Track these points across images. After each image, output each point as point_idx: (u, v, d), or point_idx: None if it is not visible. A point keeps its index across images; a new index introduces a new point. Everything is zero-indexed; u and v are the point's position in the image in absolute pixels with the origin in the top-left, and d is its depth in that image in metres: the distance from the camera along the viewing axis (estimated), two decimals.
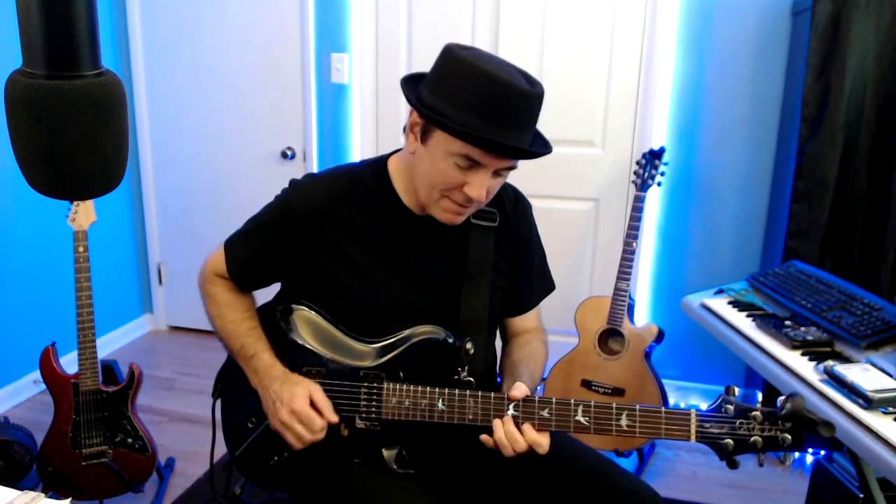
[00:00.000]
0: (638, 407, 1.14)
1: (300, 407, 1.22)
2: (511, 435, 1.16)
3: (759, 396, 1.11)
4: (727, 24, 2.66)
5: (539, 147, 1.21)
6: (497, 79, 1.13)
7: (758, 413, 1.09)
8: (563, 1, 2.80)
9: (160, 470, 2.29)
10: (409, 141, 1.25)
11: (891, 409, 1.24)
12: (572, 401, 1.16)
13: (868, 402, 1.25)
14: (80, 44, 0.58)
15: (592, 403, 1.15)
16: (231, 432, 1.42)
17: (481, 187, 1.18)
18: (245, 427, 1.37)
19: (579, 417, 1.15)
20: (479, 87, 1.13)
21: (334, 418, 1.25)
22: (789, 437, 1.07)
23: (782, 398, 1.09)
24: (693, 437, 1.11)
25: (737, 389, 1.11)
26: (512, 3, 2.85)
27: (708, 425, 1.10)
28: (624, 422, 1.14)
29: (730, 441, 1.09)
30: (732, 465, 1.10)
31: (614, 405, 1.14)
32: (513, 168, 1.21)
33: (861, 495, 1.65)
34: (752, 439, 1.08)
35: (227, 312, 1.37)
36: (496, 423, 1.18)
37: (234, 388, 1.41)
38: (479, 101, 1.13)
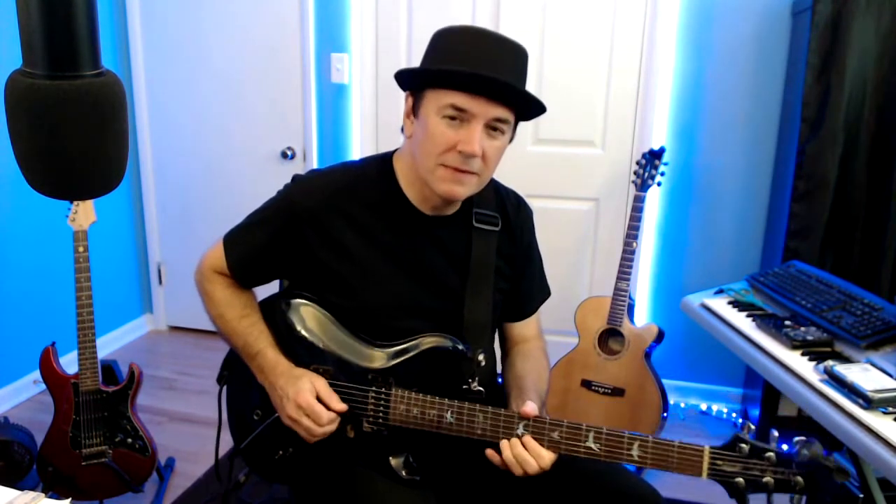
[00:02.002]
0: (651, 438, 1.12)
1: (305, 401, 1.22)
2: (521, 457, 1.15)
3: (775, 434, 1.10)
4: (727, 24, 2.66)
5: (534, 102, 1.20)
6: (473, 29, 1.19)
7: (773, 455, 1.07)
8: (563, 1, 2.80)
9: (160, 470, 2.29)
10: (406, 128, 1.27)
11: (891, 409, 1.24)
12: (584, 426, 1.14)
13: (868, 402, 1.25)
14: (80, 44, 0.58)
15: (605, 430, 1.13)
16: (236, 423, 1.41)
17: (472, 140, 1.16)
18: (251, 419, 1.37)
19: (590, 444, 1.14)
20: (457, 41, 1.19)
21: (341, 407, 1.24)
22: (802, 481, 1.05)
23: (800, 440, 1.07)
24: (705, 474, 1.09)
25: (752, 426, 1.10)
26: (512, 4, 2.85)
27: (720, 463, 1.09)
28: (635, 452, 1.12)
29: (741, 480, 1.08)
30: (742, 503, 1.09)
31: (626, 434, 1.12)
32: (504, 121, 1.19)
33: (861, 495, 1.65)
34: (764, 480, 1.07)
35: (226, 311, 1.36)
36: (504, 444, 1.17)
37: (239, 377, 1.40)
38: (459, 52, 1.17)
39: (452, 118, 1.17)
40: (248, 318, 1.34)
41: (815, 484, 1.05)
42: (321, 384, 1.25)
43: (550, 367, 1.44)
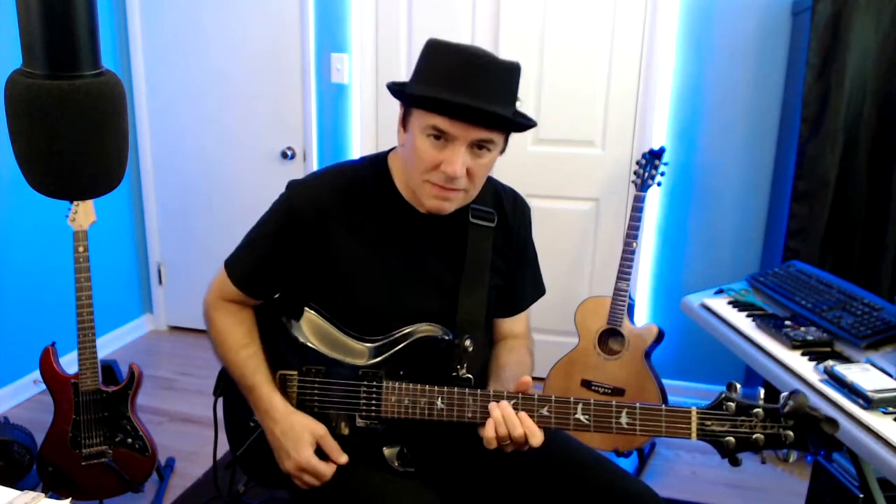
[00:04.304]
0: (638, 405, 1.13)
1: (307, 462, 1.24)
2: (509, 419, 1.16)
3: (762, 392, 1.10)
4: (727, 24, 2.66)
5: (520, 120, 1.20)
6: (461, 50, 1.17)
7: (759, 410, 1.08)
8: (563, 1, 2.80)
9: (160, 470, 2.29)
10: (399, 136, 1.28)
11: (891, 409, 1.24)
12: (572, 399, 1.16)
13: (868, 402, 1.25)
14: (80, 44, 0.58)
15: (592, 401, 1.15)
16: (233, 431, 1.42)
17: (454, 162, 1.17)
18: (247, 426, 1.37)
19: (579, 415, 1.15)
20: (444, 61, 1.18)
21: (343, 460, 1.26)
22: (791, 434, 1.06)
23: (784, 395, 1.08)
24: (694, 435, 1.10)
25: (738, 386, 1.10)
26: (512, 4, 2.85)
27: (709, 423, 1.10)
28: (624, 420, 1.13)
29: (731, 439, 1.08)
30: (734, 462, 1.09)
31: (614, 403, 1.14)
32: (489, 142, 1.19)
33: (861, 495, 1.65)
34: (753, 437, 1.08)
35: (226, 339, 1.35)
36: (492, 405, 1.17)
37: (235, 386, 1.40)
38: (444, 73, 1.17)
39: (437, 137, 1.18)
40: (246, 350, 1.33)
41: (803, 435, 1.05)
42: (322, 434, 1.26)
43: (533, 369, 1.44)
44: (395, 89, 1.23)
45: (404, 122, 1.25)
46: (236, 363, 1.33)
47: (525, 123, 1.22)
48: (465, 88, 1.14)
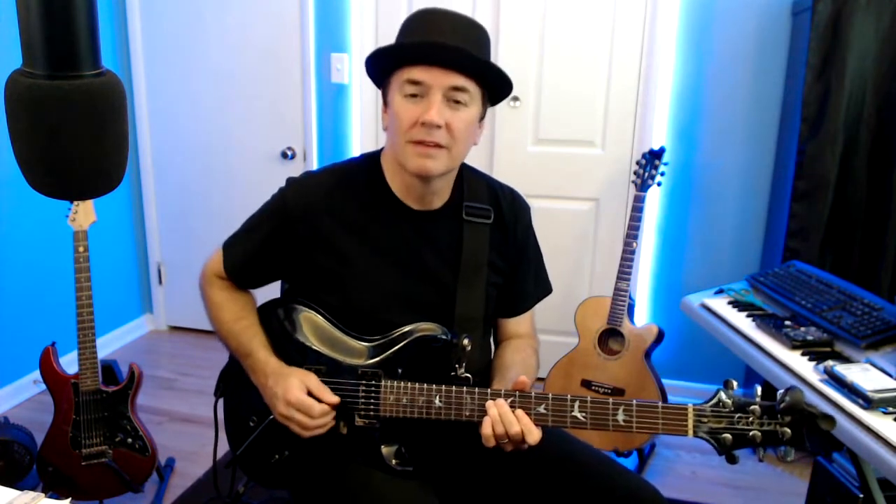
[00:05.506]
0: (635, 402, 1.13)
1: (295, 397, 1.22)
2: (506, 416, 1.15)
3: (759, 390, 1.10)
4: (727, 24, 2.66)
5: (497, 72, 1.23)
6: (429, 9, 1.25)
7: (756, 407, 1.08)
8: (563, 1, 2.80)
9: (160, 470, 2.29)
10: (383, 122, 1.33)
11: (891, 409, 1.24)
12: (569, 396, 1.16)
13: (868, 402, 1.25)
14: (80, 44, 0.58)
15: (589, 399, 1.15)
16: (233, 431, 1.42)
17: (431, 109, 1.19)
18: (246, 425, 1.37)
19: (576, 413, 1.15)
20: (411, 22, 1.26)
21: (334, 399, 1.24)
22: (789, 430, 1.06)
23: (781, 391, 1.08)
24: (690, 432, 1.10)
25: (735, 383, 1.10)
26: (512, 4, 2.85)
27: (706, 419, 1.09)
28: (621, 417, 1.13)
29: (728, 435, 1.08)
30: (731, 459, 1.09)
31: (611, 400, 1.14)
32: (463, 90, 1.21)
33: (861, 495, 1.65)
34: (750, 433, 1.07)
35: (222, 313, 1.37)
36: (489, 403, 1.17)
37: (236, 386, 1.41)
38: (412, 31, 1.24)
39: (414, 95, 1.21)
40: (243, 321, 1.35)
41: (800, 431, 1.05)
42: (311, 379, 1.26)
43: (538, 370, 1.44)
44: (368, 63, 1.27)
45: (385, 101, 1.29)
46: (233, 333, 1.34)
47: (498, 70, 1.23)
48: (431, 35, 1.20)
